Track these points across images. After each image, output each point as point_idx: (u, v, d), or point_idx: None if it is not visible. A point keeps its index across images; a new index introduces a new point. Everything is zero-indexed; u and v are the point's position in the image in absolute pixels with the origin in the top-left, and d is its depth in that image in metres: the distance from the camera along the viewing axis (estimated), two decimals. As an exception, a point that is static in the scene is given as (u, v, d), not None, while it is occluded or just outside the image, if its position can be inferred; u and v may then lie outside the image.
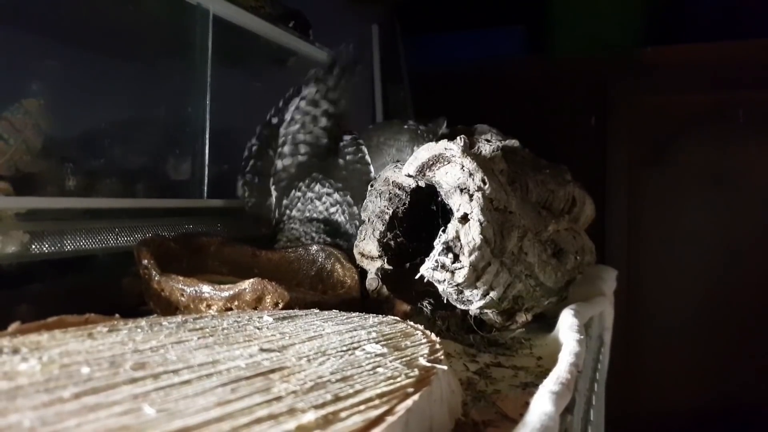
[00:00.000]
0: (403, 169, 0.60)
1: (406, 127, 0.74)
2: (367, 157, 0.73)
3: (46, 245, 0.63)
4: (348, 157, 0.74)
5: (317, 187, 0.73)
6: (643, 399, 1.79)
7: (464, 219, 0.51)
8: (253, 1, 0.97)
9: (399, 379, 0.29)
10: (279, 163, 0.76)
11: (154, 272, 0.54)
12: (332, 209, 0.71)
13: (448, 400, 0.32)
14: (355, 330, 0.39)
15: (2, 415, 0.22)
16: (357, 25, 1.76)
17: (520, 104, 1.86)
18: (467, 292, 0.52)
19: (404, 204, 0.61)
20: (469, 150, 0.55)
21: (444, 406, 0.31)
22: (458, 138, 0.55)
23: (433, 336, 0.39)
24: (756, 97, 1.69)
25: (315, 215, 0.72)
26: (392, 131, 0.74)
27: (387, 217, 0.61)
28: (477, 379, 0.44)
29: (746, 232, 1.72)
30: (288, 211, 0.74)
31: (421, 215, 0.62)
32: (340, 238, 0.71)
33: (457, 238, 0.50)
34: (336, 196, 0.71)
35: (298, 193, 0.74)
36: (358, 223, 0.70)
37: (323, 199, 0.72)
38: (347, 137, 0.77)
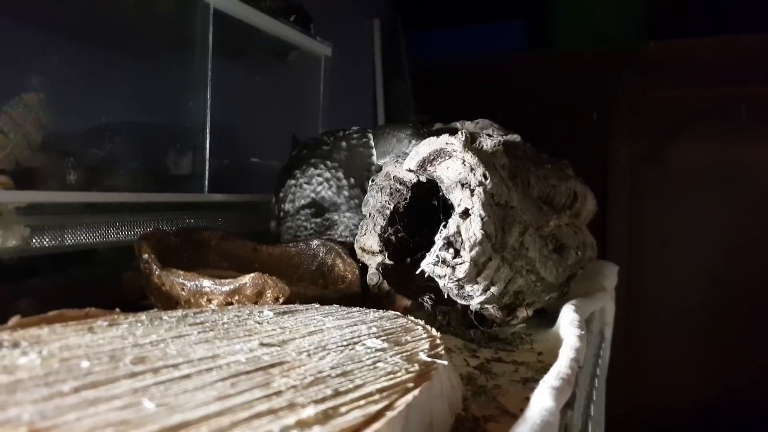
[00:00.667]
0: (404, 164, 0.59)
1: (410, 124, 0.75)
2: (371, 142, 0.73)
3: (47, 239, 0.63)
4: (352, 142, 0.74)
5: (310, 171, 0.73)
6: (643, 394, 1.79)
7: (465, 214, 0.51)
8: (254, -6, 0.96)
9: (399, 374, 0.29)
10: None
11: (154, 266, 0.53)
12: (319, 188, 0.71)
13: (449, 395, 0.32)
14: (356, 325, 0.39)
15: (2, 408, 0.22)
16: (358, 20, 1.75)
17: (522, 99, 1.86)
18: (468, 287, 0.52)
19: (405, 199, 0.61)
20: (470, 145, 0.55)
21: (444, 401, 0.31)
22: (460, 133, 0.55)
23: (434, 331, 0.39)
24: (759, 92, 1.69)
25: (303, 201, 0.72)
26: (398, 126, 0.75)
27: (388, 212, 0.61)
28: (477, 374, 0.44)
29: (748, 228, 1.71)
30: (283, 206, 0.74)
31: (422, 210, 0.62)
32: (329, 212, 0.71)
33: (458, 233, 0.50)
34: (327, 174, 0.72)
35: (292, 181, 0.74)
36: (347, 193, 0.70)
37: (312, 180, 0.72)
38: (355, 127, 0.78)
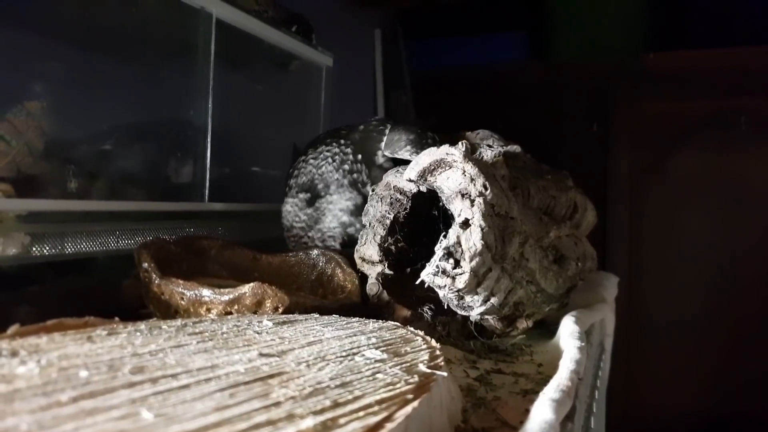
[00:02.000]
0: (404, 173, 0.60)
1: (418, 130, 0.76)
2: (386, 131, 0.75)
3: (47, 247, 0.63)
4: (370, 127, 0.77)
5: (321, 147, 0.74)
6: (644, 405, 1.78)
7: (465, 224, 0.51)
8: (256, 5, 0.97)
9: (398, 386, 0.29)
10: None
11: (154, 275, 0.53)
12: (322, 163, 0.72)
13: (448, 407, 0.32)
14: (355, 335, 0.39)
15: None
16: (359, 30, 1.76)
17: (522, 109, 1.87)
18: (468, 298, 0.52)
19: (405, 209, 0.61)
20: (470, 155, 0.55)
21: (444, 412, 0.31)
22: (460, 143, 0.55)
23: (434, 342, 0.39)
24: (758, 104, 1.69)
25: (303, 179, 0.72)
26: (407, 127, 0.77)
27: (388, 221, 0.61)
28: (477, 385, 0.44)
29: (747, 238, 1.71)
30: (290, 180, 0.75)
31: (423, 220, 0.62)
32: (319, 198, 0.71)
33: (458, 243, 0.50)
34: (336, 149, 0.73)
35: (302, 157, 0.75)
36: (347, 167, 0.71)
37: (319, 156, 0.73)
38: (378, 117, 0.80)
